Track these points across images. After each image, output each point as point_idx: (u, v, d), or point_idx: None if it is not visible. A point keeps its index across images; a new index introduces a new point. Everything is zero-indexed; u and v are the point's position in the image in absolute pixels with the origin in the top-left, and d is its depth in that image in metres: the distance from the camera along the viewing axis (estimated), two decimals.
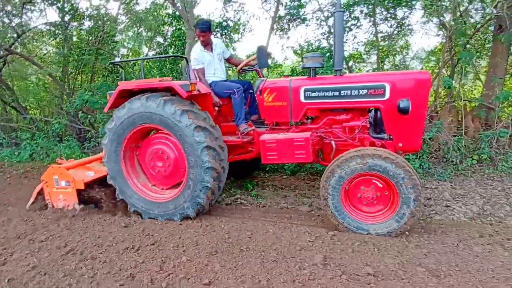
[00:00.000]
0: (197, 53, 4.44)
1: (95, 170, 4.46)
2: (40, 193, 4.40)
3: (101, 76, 10.09)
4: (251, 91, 4.68)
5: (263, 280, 2.55)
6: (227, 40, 9.20)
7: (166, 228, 3.62)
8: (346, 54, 8.30)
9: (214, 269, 2.74)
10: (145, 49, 10.38)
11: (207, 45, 4.54)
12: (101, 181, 4.33)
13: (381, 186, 3.34)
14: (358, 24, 8.20)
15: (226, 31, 9.08)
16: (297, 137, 3.65)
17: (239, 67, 4.62)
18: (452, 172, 5.40)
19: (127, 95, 3.96)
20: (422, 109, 3.60)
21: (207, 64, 4.50)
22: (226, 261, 2.87)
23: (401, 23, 8.01)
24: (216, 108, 4.41)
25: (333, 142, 3.88)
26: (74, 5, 8.53)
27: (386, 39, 8.35)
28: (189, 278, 2.63)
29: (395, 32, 8.21)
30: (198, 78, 4.44)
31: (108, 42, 8.84)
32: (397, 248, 3.05)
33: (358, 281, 2.53)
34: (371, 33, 8.05)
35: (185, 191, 3.78)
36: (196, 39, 4.71)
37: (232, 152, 4.31)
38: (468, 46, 6.81)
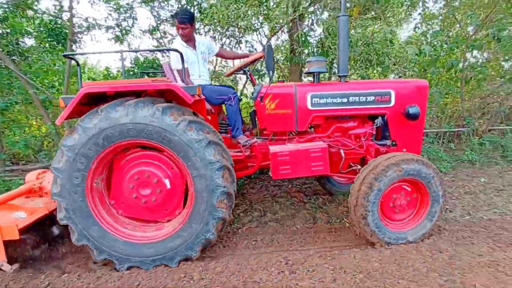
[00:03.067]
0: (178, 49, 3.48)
1: (25, 209, 3.22)
2: None
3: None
4: (240, 98, 4.36)
5: None
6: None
7: None
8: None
9: None
10: None
11: (189, 41, 3.91)
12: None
13: (409, 190, 3.34)
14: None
15: None
16: (314, 147, 3.45)
17: (231, 71, 4.19)
18: None
19: (91, 100, 2.99)
20: (423, 114, 3.78)
21: (191, 63, 3.86)
22: None
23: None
24: (209, 117, 3.66)
25: (342, 151, 3.78)
26: None
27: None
28: None
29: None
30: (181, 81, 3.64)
31: None
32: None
33: None
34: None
35: (189, 224, 2.97)
36: (176, 34, 4.02)
37: None
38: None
